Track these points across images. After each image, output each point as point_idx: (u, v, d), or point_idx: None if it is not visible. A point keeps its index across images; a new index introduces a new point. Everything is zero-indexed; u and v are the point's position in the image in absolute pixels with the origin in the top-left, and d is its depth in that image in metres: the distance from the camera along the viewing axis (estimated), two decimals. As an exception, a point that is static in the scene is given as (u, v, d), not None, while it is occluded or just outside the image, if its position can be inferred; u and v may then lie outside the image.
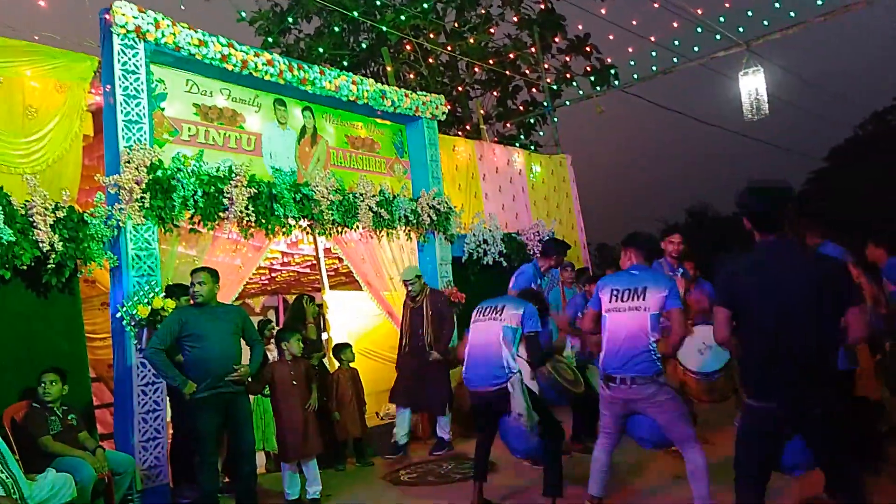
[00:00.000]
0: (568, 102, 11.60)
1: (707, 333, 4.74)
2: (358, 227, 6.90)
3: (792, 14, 8.74)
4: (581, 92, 11.04)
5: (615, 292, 3.82)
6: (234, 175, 5.74)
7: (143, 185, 5.17)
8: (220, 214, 5.67)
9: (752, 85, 9.07)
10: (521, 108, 13.29)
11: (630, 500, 4.45)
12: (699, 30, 9.29)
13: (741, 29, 9.25)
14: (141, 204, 5.16)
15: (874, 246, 5.19)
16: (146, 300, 5.04)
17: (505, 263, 8.50)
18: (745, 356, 2.95)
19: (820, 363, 2.79)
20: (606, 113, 11.13)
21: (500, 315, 4.22)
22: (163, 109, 5.82)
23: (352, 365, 6.47)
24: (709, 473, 3.65)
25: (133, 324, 5.05)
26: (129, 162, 5.16)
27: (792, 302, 2.78)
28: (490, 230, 8.50)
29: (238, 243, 6.07)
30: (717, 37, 9.30)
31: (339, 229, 6.77)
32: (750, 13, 8.94)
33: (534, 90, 13.69)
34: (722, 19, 9.21)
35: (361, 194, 6.96)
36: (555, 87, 12.39)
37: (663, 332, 3.89)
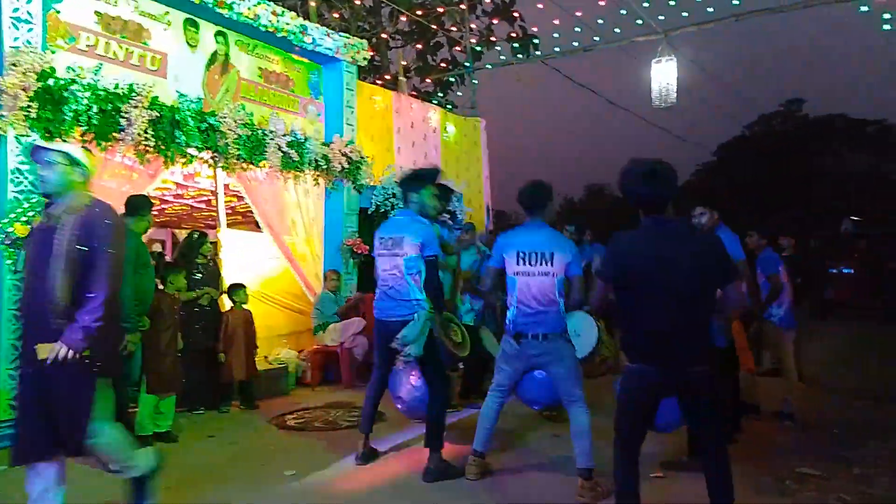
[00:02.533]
0: (490, 66, 11.58)
1: (578, 321, 4.96)
2: (264, 165, 6.64)
3: (710, 10, 9.12)
4: (503, 58, 11.05)
5: (522, 255, 3.91)
6: (134, 94, 5.34)
7: (31, 93, 4.71)
8: (116, 135, 5.28)
9: (664, 73, 9.41)
10: (440, 65, 13.16)
11: (513, 457, 4.64)
12: (623, 12, 9.51)
13: (661, 17, 9.56)
14: (27, 113, 4.70)
15: (759, 236, 5.70)
16: (25, 218, 4.65)
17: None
18: (630, 325, 3.08)
19: (697, 332, 2.98)
20: (524, 82, 11.22)
21: (400, 248, 4.18)
22: (58, 12, 5.29)
23: (245, 307, 6.30)
24: (590, 434, 3.86)
25: (9, 243, 4.65)
26: (14, 65, 4.68)
27: (676, 276, 2.92)
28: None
29: (132, 169, 5.69)
30: (639, 21, 9.56)
31: (245, 166, 6.49)
32: (672, 2, 9.23)
33: (455, 49, 13.57)
34: (646, 4, 9.44)
35: (272, 132, 6.69)
36: (478, 48, 12.33)
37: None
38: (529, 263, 3.87)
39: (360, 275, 7.83)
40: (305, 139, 7.10)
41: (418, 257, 4.14)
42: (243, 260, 7.56)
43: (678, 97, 10.29)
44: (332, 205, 7.74)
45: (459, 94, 11.95)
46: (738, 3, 8.78)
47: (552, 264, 3.84)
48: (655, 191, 2.99)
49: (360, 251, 7.53)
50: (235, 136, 6.24)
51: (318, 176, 7.32)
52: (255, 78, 7.08)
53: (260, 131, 6.58)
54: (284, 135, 6.76)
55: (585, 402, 3.90)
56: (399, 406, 4.37)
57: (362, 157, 7.74)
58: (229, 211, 8.23)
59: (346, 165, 7.44)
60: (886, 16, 8.38)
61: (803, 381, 6.13)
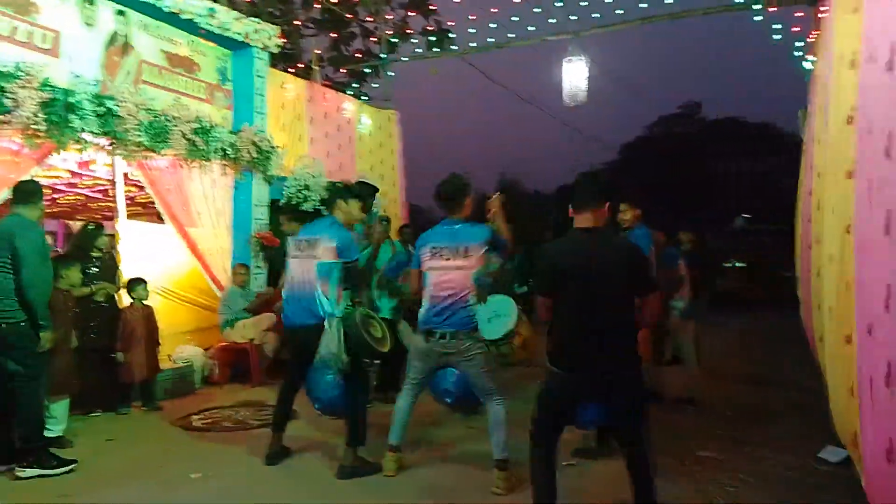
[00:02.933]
0: (405, 59, 11.50)
1: (497, 303, 5.03)
2: (166, 153, 6.32)
3: (619, 12, 9.43)
4: (419, 50, 11.01)
5: (435, 250, 3.90)
6: (22, 74, 4.94)
7: None
8: (1, 117, 4.86)
9: (574, 72, 9.64)
10: (355, 55, 12.94)
11: (429, 450, 4.64)
12: (537, 10, 9.68)
13: (573, 17, 9.79)
14: None
15: (660, 234, 5.92)
16: None
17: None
18: (557, 330, 3.14)
19: (622, 338, 3.08)
20: (440, 77, 11.23)
21: (315, 250, 4.10)
22: (-69, -21, 4.82)
23: (146, 303, 5.98)
24: (506, 427, 3.91)
25: None
26: None
27: (601, 284, 3.03)
28: (313, 176, 8.24)
29: (18, 154, 5.26)
30: (552, 20, 9.76)
31: (146, 154, 6.14)
32: (584, 3, 9.48)
33: (370, 40, 13.39)
34: (559, 3, 9.65)
35: (175, 118, 6.36)
36: (393, 40, 12.23)
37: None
38: (443, 258, 3.87)
39: (270, 269, 7.60)
40: (212, 127, 6.81)
41: (333, 264, 4.07)
42: (144, 253, 7.17)
43: (588, 96, 10.57)
44: (240, 196, 7.47)
45: (375, 85, 11.80)
46: (645, 5, 9.14)
47: (467, 258, 3.85)
48: (585, 192, 3.16)
49: (270, 244, 7.30)
50: (136, 122, 5.89)
51: (225, 165, 7.04)
52: (159, 61, 6.71)
53: (163, 117, 6.25)
54: (189, 121, 6.45)
55: (501, 394, 3.94)
56: (316, 406, 4.27)
57: (273, 147, 7.51)
58: (128, 202, 7.75)
59: (255, 155, 7.20)
60: (777, 26, 8.94)
61: (701, 368, 6.46)
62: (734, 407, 6.13)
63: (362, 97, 11.45)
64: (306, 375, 4.22)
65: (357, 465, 4.01)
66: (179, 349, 7.11)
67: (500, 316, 4.69)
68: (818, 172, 5.14)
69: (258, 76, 7.63)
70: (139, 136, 5.93)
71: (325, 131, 9.18)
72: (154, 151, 6.19)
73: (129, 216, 7.59)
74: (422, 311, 3.93)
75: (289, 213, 6.62)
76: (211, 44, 7.31)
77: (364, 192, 5.57)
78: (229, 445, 4.78)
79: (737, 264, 16.37)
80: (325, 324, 3.98)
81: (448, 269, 3.85)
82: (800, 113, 8.76)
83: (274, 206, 7.77)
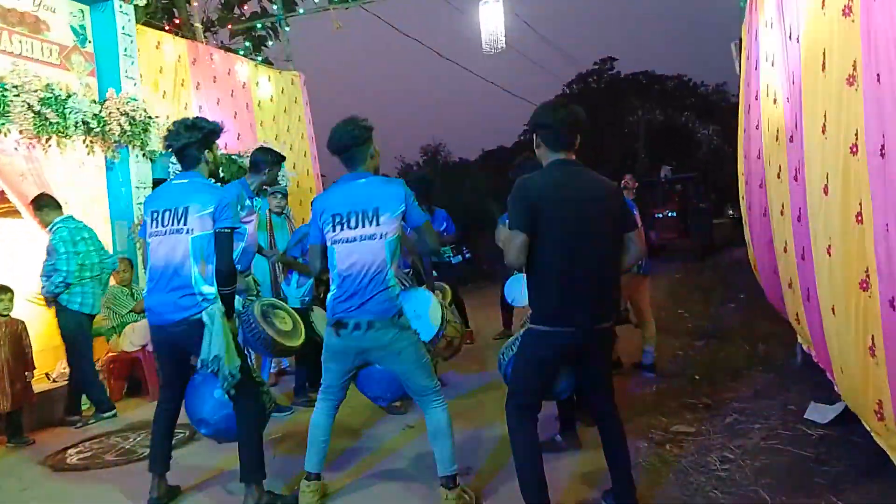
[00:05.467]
0: (302, 11, 10.34)
1: (417, 300, 4.22)
2: (8, 131, 5.12)
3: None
4: (316, 1, 9.89)
5: (338, 218, 3.02)
6: None
7: None
8: None
9: (491, 17, 8.85)
10: (248, 16, 11.60)
11: (359, 467, 3.78)
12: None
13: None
14: None
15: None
16: None
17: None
18: (540, 279, 2.74)
19: (611, 283, 2.78)
20: (346, 32, 10.18)
21: (185, 224, 3.12)
22: None
23: (11, 316, 4.85)
24: (452, 432, 3.11)
25: None
26: None
27: (589, 223, 2.70)
28: (204, 149, 7.11)
29: None
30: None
31: (-23, 132, 4.94)
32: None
33: (263, -1, 12.04)
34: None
35: (16, 86, 5.16)
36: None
37: None
38: (349, 227, 2.99)
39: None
40: (68, 96, 5.61)
41: (209, 234, 3.11)
42: (7, 256, 5.97)
43: (506, 47, 9.82)
44: (116, 178, 6.32)
45: (270, 43, 10.59)
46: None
47: (378, 223, 2.98)
48: (566, 124, 2.78)
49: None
50: (-44, 93, 4.69)
51: (91, 141, 5.87)
52: (-11, 18, 5.45)
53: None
54: (36, 90, 5.25)
55: (440, 394, 3.13)
56: (203, 430, 3.34)
57: (150, 118, 6.36)
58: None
59: (126, 127, 6.04)
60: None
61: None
62: (697, 368, 5.59)
63: (261, 61, 10.25)
64: (184, 392, 3.29)
65: (265, 503, 3.12)
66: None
67: (420, 317, 3.87)
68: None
69: (124, 34, 6.42)
70: (-38, 109, 4.73)
71: (215, 98, 8.03)
72: (-10, 128, 4.99)
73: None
74: (329, 296, 3.05)
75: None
76: (61, -3, 6.06)
77: (265, 160, 4.67)
78: (107, 488, 3.76)
79: (669, 214, 16.16)
80: (205, 317, 3.04)
81: (358, 239, 2.98)
82: (732, 46, 8.24)
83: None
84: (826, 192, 3.00)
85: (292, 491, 3.29)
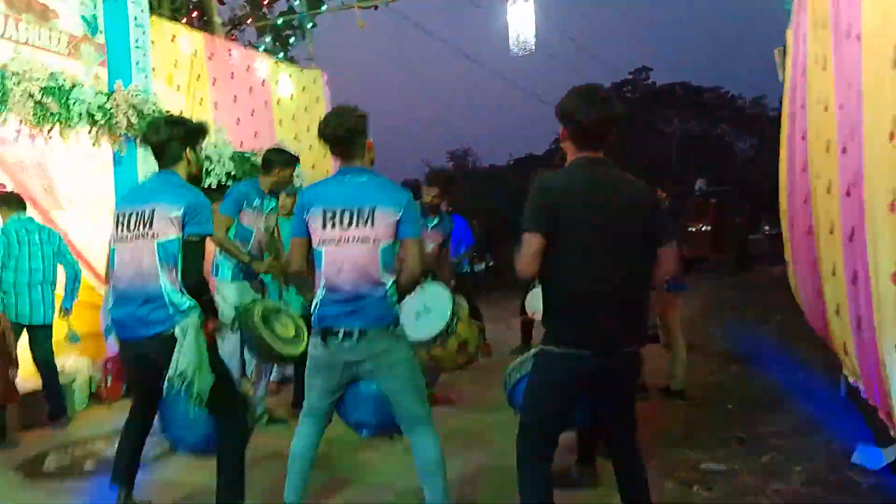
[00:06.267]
0: (325, 7, 10.11)
1: (434, 293, 3.91)
2: (5, 120, 4.91)
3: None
4: (342, 1, 9.66)
5: (329, 215, 2.67)
6: None
7: None
8: None
9: (521, 16, 8.52)
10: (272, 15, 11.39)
11: (346, 496, 3.43)
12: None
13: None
14: None
15: None
16: None
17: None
18: (558, 293, 2.41)
19: (640, 299, 2.46)
20: (371, 32, 9.91)
21: (150, 227, 2.79)
22: None
23: (-2, 312, 4.64)
24: (444, 469, 2.74)
25: None
26: None
27: (618, 231, 2.35)
28: (216, 145, 6.88)
29: None
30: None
31: (-26, 119, 4.74)
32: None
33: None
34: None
35: (16, 73, 4.95)
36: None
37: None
38: (341, 225, 2.65)
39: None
40: (73, 86, 5.39)
41: (178, 241, 2.80)
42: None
43: (536, 49, 9.47)
44: (124, 173, 6.07)
45: (293, 42, 10.35)
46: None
47: (373, 224, 2.64)
48: (599, 116, 2.38)
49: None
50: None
51: (98, 134, 5.63)
52: (-5, 5, 5.27)
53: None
54: (37, 79, 5.04)
55: (432, 425, 2.75)
56: (179, 448, 3.02)
57: (160, 112, 6.11)
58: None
59: (135, 121, 5.79)
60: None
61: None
62: (731, 396, 5.14)
63: (283, 59, 10.03)
64: (157, 407, 2.98)
65: (238, 537, 2.79)
66: (59, 361, 5.79)
67: (430, 311, 3.55)
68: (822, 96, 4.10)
69: (136, 25, 6.20)
70: (-40, 96, 4.52)
71: (232, 94, 7.79)
72: (-12, 118, 4.78)
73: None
74: (316, 301, 2.71)
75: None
76: (72, -15, 5.86)
77: (277, 160, 4.47)
78: (84, 499, 3.47)
79: (703, 228, 15.61)
80: (177, 331, 2.72)
81: (350, 241, 2.63)
82: (776, 53, 7.76)
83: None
84: (893, 209, 2.59)
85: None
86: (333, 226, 2.64)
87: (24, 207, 4.98)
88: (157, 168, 5.54)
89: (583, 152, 2.45)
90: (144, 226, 2.77)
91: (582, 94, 2.45)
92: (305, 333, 4.10)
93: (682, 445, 4.01)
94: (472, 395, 5.32)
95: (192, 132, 2.99)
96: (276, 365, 4.93)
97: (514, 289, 11.12)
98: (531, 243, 2.34)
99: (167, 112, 6.25)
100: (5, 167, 5.26)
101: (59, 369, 5.59)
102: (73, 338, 5.06)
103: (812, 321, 5.38)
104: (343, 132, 2.72)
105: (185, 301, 2.77)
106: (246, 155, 7.34)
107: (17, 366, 4.73)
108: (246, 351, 4.34)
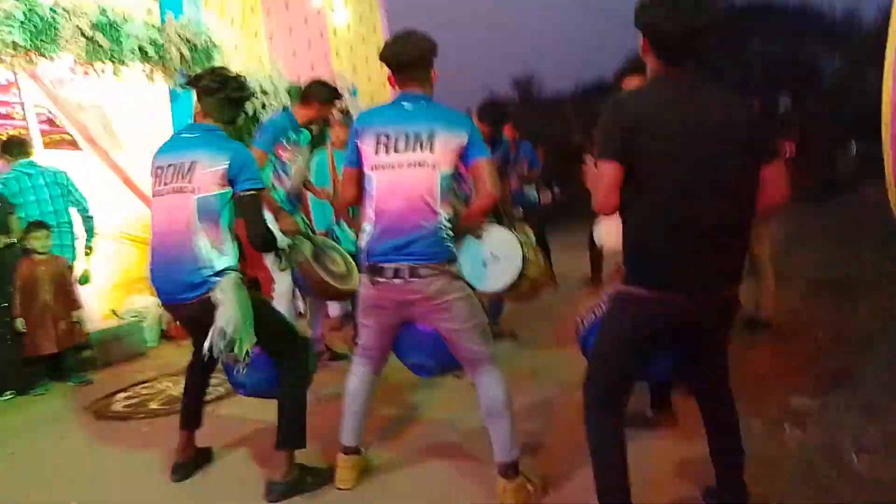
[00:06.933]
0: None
1: (500, 238, 3.62)
2: (57, 56, 4.83)
3: None
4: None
5: (383, 139, 2.43)
6: None
7: None
8: None
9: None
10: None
11: (408, 439, 3.30)
12: None
13: None
14: None
15: None
16: None
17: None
18: (640, 228, 2.08)
19: (738, 239, 2.10)
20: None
21: (190, 179, 2.60)
22: None
23: (48, 254, 4.65)
24: (511, 410, 2.54)
25: None
26: None
27: (713, 155, 1.99)
28: (271, 77, 6.69)
29: None
30: None
31: (28, 57, 4.67)
32: None
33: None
34: None
35: (66, 10, 4.84)
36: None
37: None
38: (395, 150, 2.40)
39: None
40: (125, 20, 5.26)
41: (221, 195, 2.60)
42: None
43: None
44: (181, 109, 5.95)
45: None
46: None
47: (432, 149, 2.37)
48: (685, 26, 2.00)
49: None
50: (4, 15, 4.40)
51: (151, 70, 5.53)
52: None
53: (49, 8, 4.73)
54: (86, 14, 4.92)
55: (496, 365, 2.55)
56: (240, 392, 2.94)
57: (213, 44, 5.95)
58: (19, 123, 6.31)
59: (187, 54, 5.64)
60: None
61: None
62: (823, 327, 4.72)
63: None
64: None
65: (294, 478, 2.68)
66: (129, 300, 5.92)
67: (498, 258, 3.29)
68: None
69: (185, -46, 5.98)
70: (10, 32, 4.44)
71: (287, 25, 7.56)
72: (41, 54, 4.71)
73: (51, 145, 6.23)
74: (364, 235, 2.51)
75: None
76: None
77: (318, 94, 4.19)
78: (140, 445, 3.46)
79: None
80: (217, 293, 2.55)
81: (405, 165, 2.39)
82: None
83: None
84: None
85: (330, 464, 2.84)
86: (387, 150, 2.41)
87: (25, 152, 4.94)
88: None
89: (667, 66, 2.08)
90: (183, 178, 2.60)
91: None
92: (355, 269, 3.94)
93: (770, 381, 3.68)
94: (539, 330, 5.11)
95: (244, 98, 2.81)
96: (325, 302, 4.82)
97: (580, 219, 10.74)
98: (608, 173, 2.02)
99: (226, 48, 6.09)
100: (60, 106, 5.24)
101: (128, 310, 5.72)
102: (83, 280, 5.07)
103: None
104: (408, 57, 2.47)
105: (225, 261, 2.60)
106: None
107: (79, 306, 4.80)
108: (297, 290, 4.21)
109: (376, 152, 2.43)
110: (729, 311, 2.18)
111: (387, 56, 2.53)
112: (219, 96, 2.71)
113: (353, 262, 3.96)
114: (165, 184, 2.64)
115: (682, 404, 3.14)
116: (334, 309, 5.78)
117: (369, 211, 2.47)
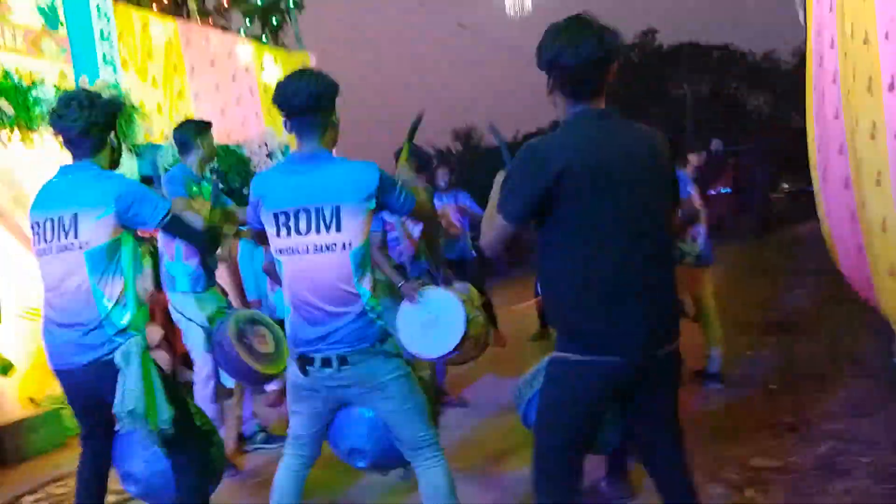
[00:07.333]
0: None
1: (438, 299, 3.40)
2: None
3: None
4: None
5: (282, 219, 2.18)
6: None
7: None
8: None
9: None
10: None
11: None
12: None
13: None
14: None
15: None
16: None
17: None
18: (569, 285, 1.90)
19: (670, 282, 1.96)
20: (361, 8, 9.37)
21: (76, 234, 2.31)
22: None
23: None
24: (455, 497, 2.29)
25: None
26: None
27: (641, 197, 1.86)
28: (197, 139, 6.41)
29: None
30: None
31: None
32: None
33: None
34: None
35: (-36, 75, 4.52)
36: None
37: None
38: (297, 231, 2.15)
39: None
40: (33, 84, 4.95)
41: (115, 241, 2.33)
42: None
43: (534, 9, 8.92)
44: (99, 175, 5.65)
45: (275, 21, 9.80)
46: None
47: (339, 227, 2.13)
48: (591, 55, 1.84)
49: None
50: None
51: (64, 136, 5.19)
52: (-62, 1, 4.83)
53: (-56, 76, 4.41)
54: (-10, 78, 4.61)
55: (438, 448, 2.30)
56: (132, 490, 2.59)
57: (133, 107, 5.67)
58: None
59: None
60: None
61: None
62: (772, 374, 4.67)
63: (266, 42, 9.50)
64: (109, 442, 2.54)
65: None
66: (50, 388, 5.42)
67: (438, 320, 3.07)
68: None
69: (100, 15, 5.74)
70: None
71: (214, 83, 7.31)
72: (-64, 124, 4.36)
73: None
74: (287, 323, 2.26)
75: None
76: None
77: (189, 133, 3.72)
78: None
79: (722, 190, 14.98)
80: (117, 357, 2.27)
81: (310, 250, 2.15)
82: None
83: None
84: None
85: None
86: (289, 232, 2.15)
87: None
88: (135, 168, 4.99)
89: (581, 105, 1.92)
90: (66, 234, 2.30)
91: (560, 28, 1.89)
92: (285, 344, 3.63)
93: (726, 439, 3.54)
94: (488, 391, 4.87)
95: (112, 111, 2.47)
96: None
97: (525, 267, 10.67)
98: (503, 230, 1.92)
99: (145, 107, 5.83)
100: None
101: (47, 398, 5.22)
102: (3, 371, 4.64)
103: (853, 281, 4.88)
104: (306, 101, 2.16)
105: (128, 319, 2.32)
106: (232, 148, 6.87)
107: None
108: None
109: (278, 234, 2.19)
110: (672, 367, 2.01)
111: (279, 102, 2.22)
112: (79, 126, 2.34)
113: (283, 336, 3.67)
114: (47, 241, 2.33)
115: (637, 473, 2.95)
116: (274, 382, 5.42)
117: (286, 298, 2.22)
